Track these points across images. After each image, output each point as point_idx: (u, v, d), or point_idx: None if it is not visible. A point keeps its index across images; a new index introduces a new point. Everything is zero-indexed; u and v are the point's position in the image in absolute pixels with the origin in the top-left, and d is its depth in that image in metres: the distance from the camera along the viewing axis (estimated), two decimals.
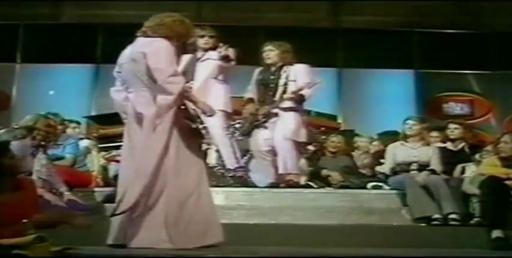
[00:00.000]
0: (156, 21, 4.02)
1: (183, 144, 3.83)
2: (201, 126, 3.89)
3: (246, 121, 5.97)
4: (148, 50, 3.78)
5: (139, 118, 3.81)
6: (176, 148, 3.79)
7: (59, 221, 3.60)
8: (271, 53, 5.95)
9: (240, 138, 6.13)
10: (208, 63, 5.79)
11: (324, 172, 6.30)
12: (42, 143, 4.98)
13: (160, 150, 3.71)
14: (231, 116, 5.95)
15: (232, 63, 5.72)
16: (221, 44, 5.73)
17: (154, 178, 3.69)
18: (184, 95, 3.82)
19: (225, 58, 5.67)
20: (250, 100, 5.98)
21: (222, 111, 5.67)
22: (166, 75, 3.71)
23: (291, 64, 5.92)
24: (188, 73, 5.61)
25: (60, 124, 5.93)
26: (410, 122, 5.86)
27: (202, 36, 5.87)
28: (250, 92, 6.03)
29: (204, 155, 4.28)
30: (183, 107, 3.86)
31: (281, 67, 5.90)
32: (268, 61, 5.96)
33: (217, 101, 5.65)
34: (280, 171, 5.69)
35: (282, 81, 5.84)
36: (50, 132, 5.09)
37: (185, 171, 3.81)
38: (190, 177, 3.82)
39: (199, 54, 5.88)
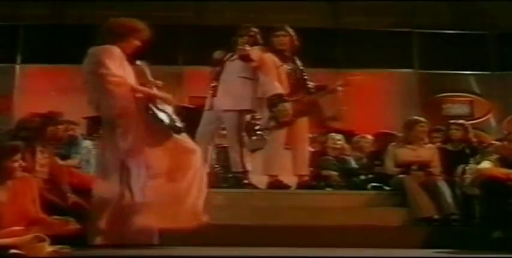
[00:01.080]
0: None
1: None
2: (178, 124, 4.19)
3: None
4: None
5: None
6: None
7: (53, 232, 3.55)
8: (284, 38, 5.80)
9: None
10: (235, 62, 5.78)
11: (324, 172, 6.31)
12: (38, 142, 4.94)
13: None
14: (252, 114, 5.89)
15: (254, 63, 5.64)
16: (245, 44, 5.70)
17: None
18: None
19: (245, 57, 5.64)
20: (279, 96, 5.63)
21: (242, 111, 5.65)
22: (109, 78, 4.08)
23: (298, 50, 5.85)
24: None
25: (60, 124, 5.90)
26: (419, 123, 5.86)
27: (242, 36, 5.84)
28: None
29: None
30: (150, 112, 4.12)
31: (293, 54, 5.82)
32: (282, 47, 5.78)
33: (239, 100, 5.65)
34: None
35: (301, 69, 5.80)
36: (46, 132, 5.04)
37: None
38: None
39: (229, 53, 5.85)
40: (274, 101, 5.55)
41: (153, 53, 4.47)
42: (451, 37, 11.26)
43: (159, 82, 4.47)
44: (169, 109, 4.31)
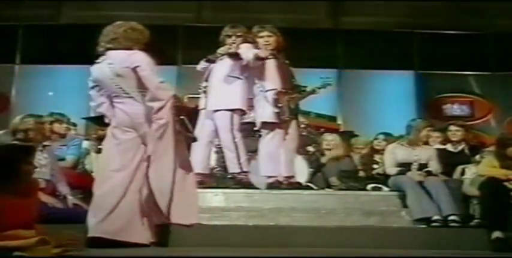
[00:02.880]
0: (110, 35, 4.33)
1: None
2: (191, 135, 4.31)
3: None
4: (137, 64, 4.12)
5: (136, 124, 4.19)
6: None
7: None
8: (270, 39, 5.78)
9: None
10: (224, 62, 5.79)
11: (324, 173, 6.32)
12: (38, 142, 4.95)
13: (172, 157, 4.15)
14: (244, 114, 5.85)
15: (244, 61, 5.61)
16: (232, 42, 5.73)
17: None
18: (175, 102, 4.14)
19: (234, 56, 5.65)
20: (282, 92, 5.64)
21: (233, 110, 5.67)
22: (158, 82, 4.10)
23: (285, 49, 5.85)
24: None
25: (55, 122, 5.90)
26: (419, 124, 5.87)
27: (230, 36, 5.86)
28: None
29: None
30: (181, 117, 4.19)
31: (279, 53, 5.80)
32: (268, 47, 5.73)
33: (229, 99, 5.65)
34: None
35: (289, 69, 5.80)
36: (38, 132, 5.03)
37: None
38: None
39: (225, 51, 5.82)
40: (279, 96, 5.56)
41: (151, 53, 4.51)
42: (452, 37, 11.27)
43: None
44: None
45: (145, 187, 4.16)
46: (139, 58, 4.16)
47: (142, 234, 4.10)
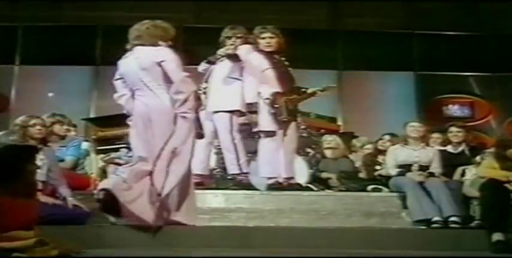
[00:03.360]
0: (134, 33, 4.57)
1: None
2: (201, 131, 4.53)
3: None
4: (162, 58, 4.40)
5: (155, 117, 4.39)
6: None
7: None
8: (272, 40, 5.74)
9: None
10: (224, 63, 5.79)
11: (324, 175, 6.32)
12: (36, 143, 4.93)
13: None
14: (242, 115, 5.84)
15: (242, 63, 5.64)
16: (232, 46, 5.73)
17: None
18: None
19: (233, 57, 5.64)
20: (280, 94, 5.61)
21: (232, 112, 5.66)
22: (182, 76, 4.38)
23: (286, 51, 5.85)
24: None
25: (55, 123, 5.89)
26: (415, 124, 5.85)
27: (229, 38, 5.86)
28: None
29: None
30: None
31: (279, 55, 5.79)
32: (269, 49, 5.73)
33: (228, 101, 5.65)
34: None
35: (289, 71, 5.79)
36: (34, 132, 5.02)
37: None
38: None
39: (225, 53, 5.83)
40: (271, 100, 5.54)
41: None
42: (452, 38, 11.29)
43: None
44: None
45: (161, 177, 4.31)
46: (165, 53, 4.44)
47: (149, 213, 4.24)
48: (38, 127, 4.93)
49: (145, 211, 4.23)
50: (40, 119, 5.06)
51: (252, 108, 5.72)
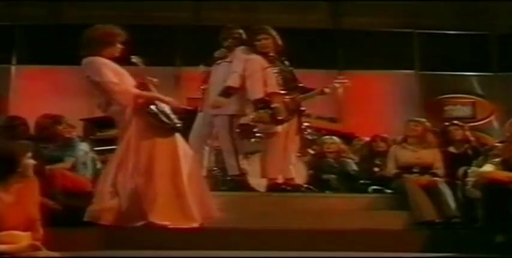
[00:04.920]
0: None
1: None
2: (177, 124, 4.52)
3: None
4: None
5: None
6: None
7: None
8: (267, 41, 5.71)
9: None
10: (224, 65, 5.78)
11: (324, 176, 6.31)
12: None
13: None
14: (243, 116, 5.82)
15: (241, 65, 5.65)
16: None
17: None
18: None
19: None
20: (276, 94, 5.61)
21: (232, 114, 5.64)
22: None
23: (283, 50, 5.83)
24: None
25: (54, 124, 5.88)
26: (412, 123, 5.84)
27: (226, 39, 5.85)
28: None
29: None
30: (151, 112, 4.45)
31: (277, 55, 5.78)
32: (266, 50, 5.70)
33: (228, 104, 5.63)
34: None
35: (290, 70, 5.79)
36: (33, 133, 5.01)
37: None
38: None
39: (223, 54, 5.86)
40: (258, 105, 5.52)
41: (150, 54, 4.59)
42: (453, 38, 11.26)
43: (155, 80, 4.69)
44: (168, 109, 4.55)
45: None
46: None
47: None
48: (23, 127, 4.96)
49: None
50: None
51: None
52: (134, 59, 4.69)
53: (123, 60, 4.65)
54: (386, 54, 11.05)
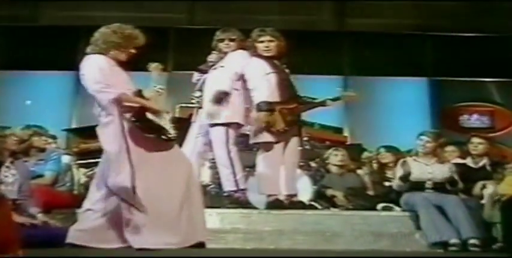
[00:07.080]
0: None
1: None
2: (171, 135, 4.40)
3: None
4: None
5: None
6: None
7: None
8: (271, 44, 5.71)
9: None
10: (218, 71, 5.77)
11: (329, 192, 6.30)
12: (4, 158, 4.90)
13: None
14: (241, 127, 5.80)
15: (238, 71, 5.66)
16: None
17: None
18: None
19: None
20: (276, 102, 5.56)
21: (229, 124, 5.64)
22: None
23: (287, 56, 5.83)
24: None
25: (33, 135, 5.87)
26: (424, 138, 5.82)
27: (222, 41, 5.85)
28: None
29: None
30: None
31: (279, 60, 5.77)
32: (268, 53, 5.70)
33: (224, 112, 5.61)
34: None
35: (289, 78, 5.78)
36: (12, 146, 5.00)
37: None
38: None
39: (217, 59, 5.85)
40: (262, 109, 5.51)
41: (143, 57, 4.60)
42: (468, 40, 11.29)
43: (160, 86, 4.64)
44: (165, 118, 4.47)
45: None
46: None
47: None
48: (14, 138, 4.92)
49: None
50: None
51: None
52: (152, 66, 4.79)
53: (133, 65, 4.62)
54: (395, 59, 11.08)
